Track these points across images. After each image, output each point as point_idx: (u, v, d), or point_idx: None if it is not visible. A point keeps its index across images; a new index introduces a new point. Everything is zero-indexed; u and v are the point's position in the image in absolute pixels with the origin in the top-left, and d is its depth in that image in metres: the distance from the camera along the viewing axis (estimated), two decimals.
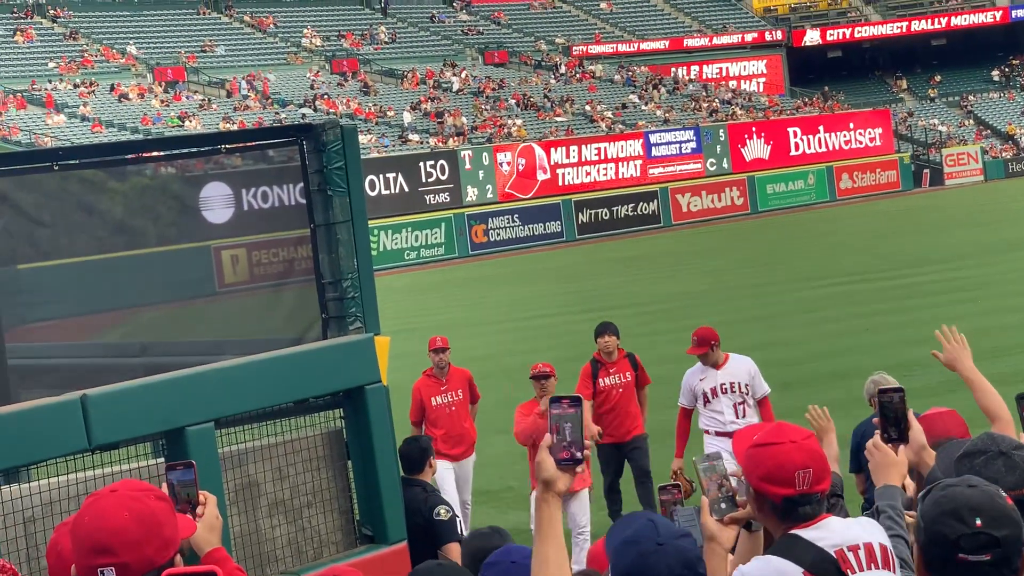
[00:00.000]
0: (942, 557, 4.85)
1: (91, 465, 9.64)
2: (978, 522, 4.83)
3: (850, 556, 5.92)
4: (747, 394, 17.01)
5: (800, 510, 5.95)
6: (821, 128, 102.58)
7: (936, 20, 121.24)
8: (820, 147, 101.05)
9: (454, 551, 11.85)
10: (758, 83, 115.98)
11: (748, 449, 6.07)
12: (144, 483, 4.59)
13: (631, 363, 18.48)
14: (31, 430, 9.40)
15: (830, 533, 5.97)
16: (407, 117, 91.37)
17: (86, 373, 11.78)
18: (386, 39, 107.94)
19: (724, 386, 17.00)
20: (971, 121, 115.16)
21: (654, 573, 5.14)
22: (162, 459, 10.38)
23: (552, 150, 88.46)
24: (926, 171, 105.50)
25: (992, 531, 4.82)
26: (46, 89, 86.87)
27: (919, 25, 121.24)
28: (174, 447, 10.03)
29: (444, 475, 17.09)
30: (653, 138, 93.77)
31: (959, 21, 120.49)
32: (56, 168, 12.08)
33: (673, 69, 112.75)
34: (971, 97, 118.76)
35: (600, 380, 18.26)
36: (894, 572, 5.89)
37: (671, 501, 6.34)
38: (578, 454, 5.26)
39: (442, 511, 12.12)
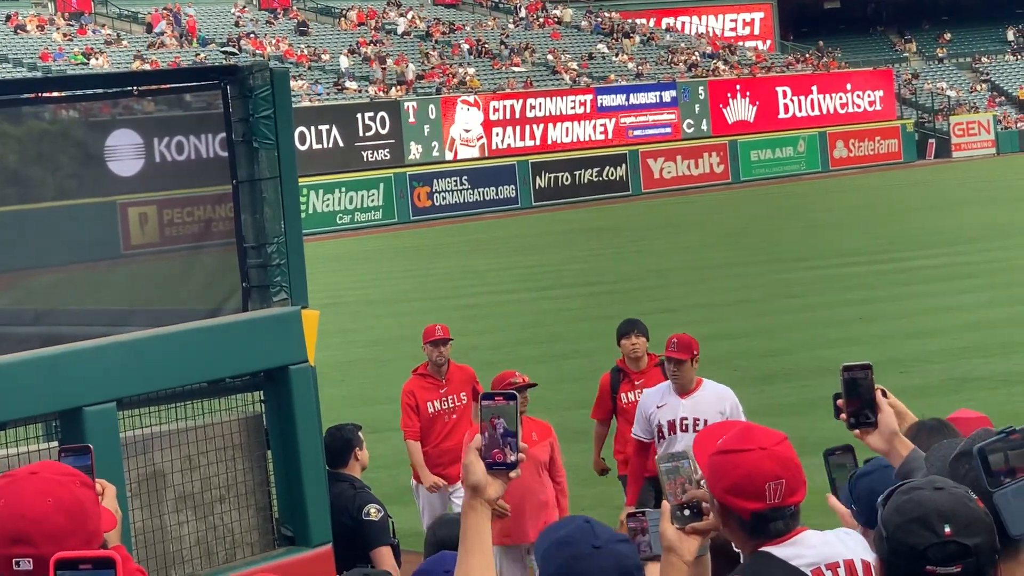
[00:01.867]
0: (908, 570, 4.84)
1: None
2: (947, 530, 4.80)
3: None
4: None
5: (771, 526, 5.89)
6: (814, 88, 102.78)
7: None
8: (812, 110, 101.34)
9: (385, 556, 11.88)
10: (745, 32, 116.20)
11: (712, 456, 5.97)
12: (66, 466, 4.59)
13: (664, 374, 15.23)
14: None
15: (806, 550, 5.94)
16: (344, 62, 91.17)
17: None
18: None
19: (685, 422, 14.44)
20: (983, 86, 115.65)
21: None
22: (55, 443, 10.37)
23: (508, 104, 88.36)
24: (931, 141, 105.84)
25: (963, 539, 4.81)
26: None
27: None
28: (70, 429, 10.02)
29: (432, 499, 16.65)
30: (623, 94, 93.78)
31: None
32: None
33: (647, 19, 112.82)
34: (984, 59, 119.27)
35: (622, 395, 16.03)
36: None
37: (639, 529, 6.13)
38: (512, 457, 5.24)
39: (372, 510, 12.13)
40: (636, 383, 15.92)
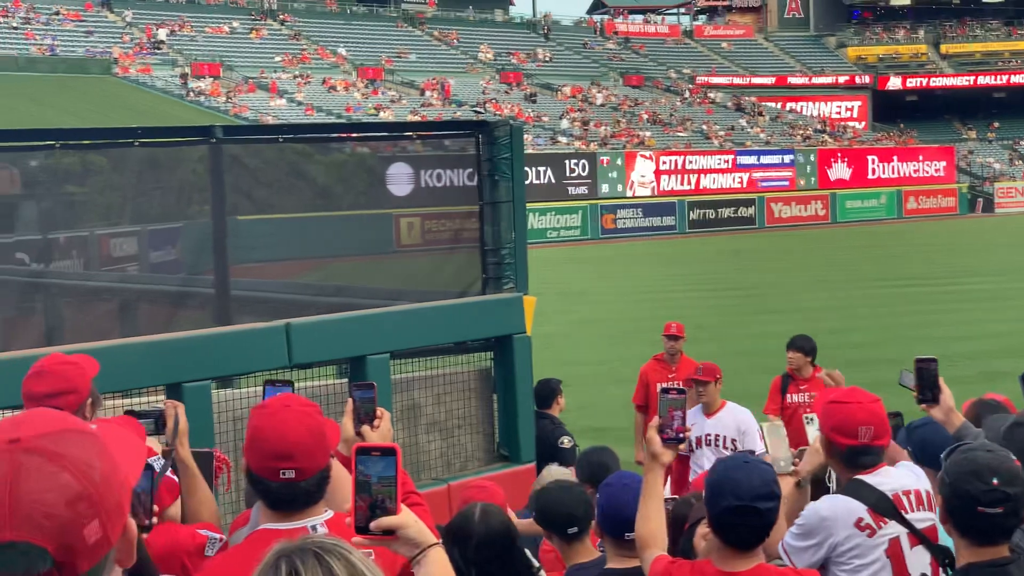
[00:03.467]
0: (963, 508, 4.82)
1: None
2: (995, 481, 4.79)
3: (904, 499, 5.93)
4: (732, 451, 12.24)
5: (861, 459, 5.94)
6: (895, 158, 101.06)
7: (999, 76, 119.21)
8: (893, 173, 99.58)
9: (572, 474, 11.87)
10: (846, 115, 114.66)
11: (825, 404, 6.10)
12: (306, 400, 4.60)
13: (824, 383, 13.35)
14: (245, 347, 9.52)
15: (889, 479, 5.98)
16: (561, 123, 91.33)
17: (290, 306, 11.92)
18: (545, 59, 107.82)
19: (710, 437, 12.80)
20: (1021, 162, 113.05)
21: (737, 483, 5.09)
22: (343, 380, 10.48)
23: (673, 159, 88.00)
24: (980, 200, 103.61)
25: (1006, 488, 4.78)
26: (272, 78, 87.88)
27: (984, 80, 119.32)
28: (357, 370, 10.12)
29: None
30: (756, 156, 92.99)
31: (1018, 79, 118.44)
32: (281, 140, 12.24)
33: (775, 103, 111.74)
34: (1022, 142, 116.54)
35: (788, 396, 14.33)
36: (935, 514, 5.87)
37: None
38: (679, 435, 5.39)
39: (565, 440, 12.10)
40: (800, 387, 14.24)
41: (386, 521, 3.40)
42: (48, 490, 2.06)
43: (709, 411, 12.82)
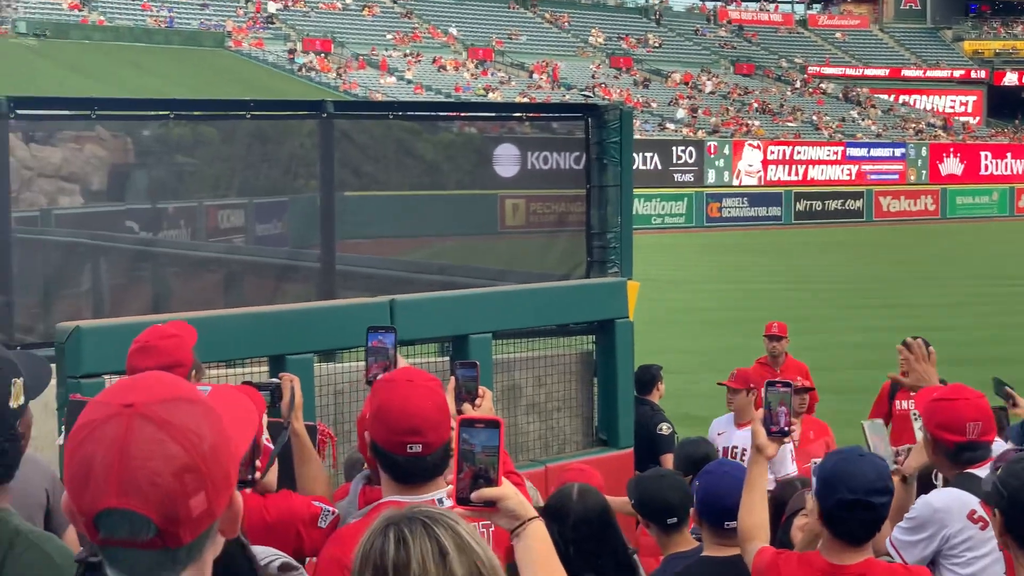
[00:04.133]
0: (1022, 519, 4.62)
1: None
2: None
3: None
4: None
5: (968, 455, 5.89)
6: (1009, 155, 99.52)
7: None
8: (1006, 171, 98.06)
9: (669, 462, 11.82)
10: (960, 110, 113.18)
11: (929, 402, 6.02)
12: (428, 374, 4.63)
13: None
14: (349, 321, 9.56)
15: None
16: (672, 111, 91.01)
17: (395, 283, 11.99)
18: (656, 44, 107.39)
19: (735, 450, 11.55)
20: None
21: (852, 476, 5.02)
22: (445, 358, 10.52)
23: (781, 148, 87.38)
24: None
25: None
26: (382, 55, 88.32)
27: None
28: (459, 349, 10.14)
29: None
30: (866, 148, 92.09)
31: None
32: (391, 117, 12.30)
33: (889, 95, 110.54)
34: None
35: (896, 402, 12.82)
36: None
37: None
38: (785, 428, 5.37)
39: (664, 427, 12.05)
40: (911, 393, 12.77)
41: (488, 492, 3.41)
42: (156, 459, 2.07)
43: (740, 421, 11.79)
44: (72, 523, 2.15)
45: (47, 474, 5.36)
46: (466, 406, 5.24)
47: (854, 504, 4.99)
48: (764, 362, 14.47)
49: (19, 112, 10.34)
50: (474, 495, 3.42)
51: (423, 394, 4.46)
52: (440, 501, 4.35)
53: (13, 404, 3.76)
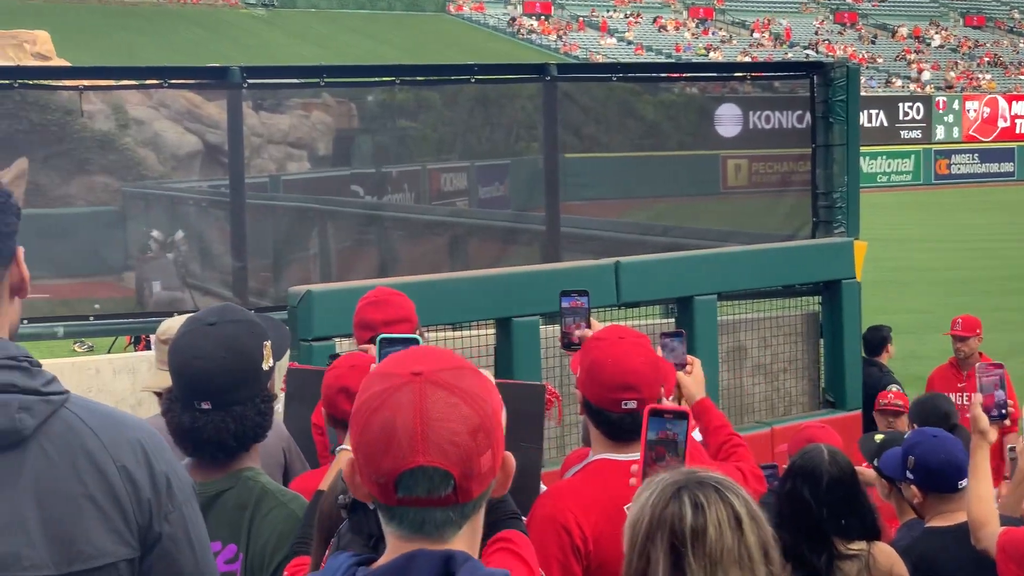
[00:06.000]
0: None
1: (616, 318, 9.80)
2: None
3: None
4: None
5: None
6: None
7: None
8: None
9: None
10: None
11: None
12: (639, 332, 4.64)
13: None
14: (574, 284, 9.56)
15: None
16: (898, 66, 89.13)
17: (618, 245, 12.01)
18: None
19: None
20: None
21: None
22: (670, 319, 10.52)
23: (1014, 103, 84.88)
24: None
25: None
26: (603, 16, 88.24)
27: None
28: (683, 311, 10.13)
29: None
30: None
31: None
32: (614, 79, 12.31)
33: None
34: None
35: None
36: None
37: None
38: (1004, 411, 5.53)
39: (892, 390, 11.85)
40: None
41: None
42: (453, 419, 2.23)
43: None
44: (351, 489, 2.31)
45: (283, 434, 5.51)
46: (679, 374, 5.24)
47: None
48: (953, 363, 12.19)
49: (250, 81, 10.61)
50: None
51: (634, 350, 4.47)
52: None
53: (265, 366, 3.95)
